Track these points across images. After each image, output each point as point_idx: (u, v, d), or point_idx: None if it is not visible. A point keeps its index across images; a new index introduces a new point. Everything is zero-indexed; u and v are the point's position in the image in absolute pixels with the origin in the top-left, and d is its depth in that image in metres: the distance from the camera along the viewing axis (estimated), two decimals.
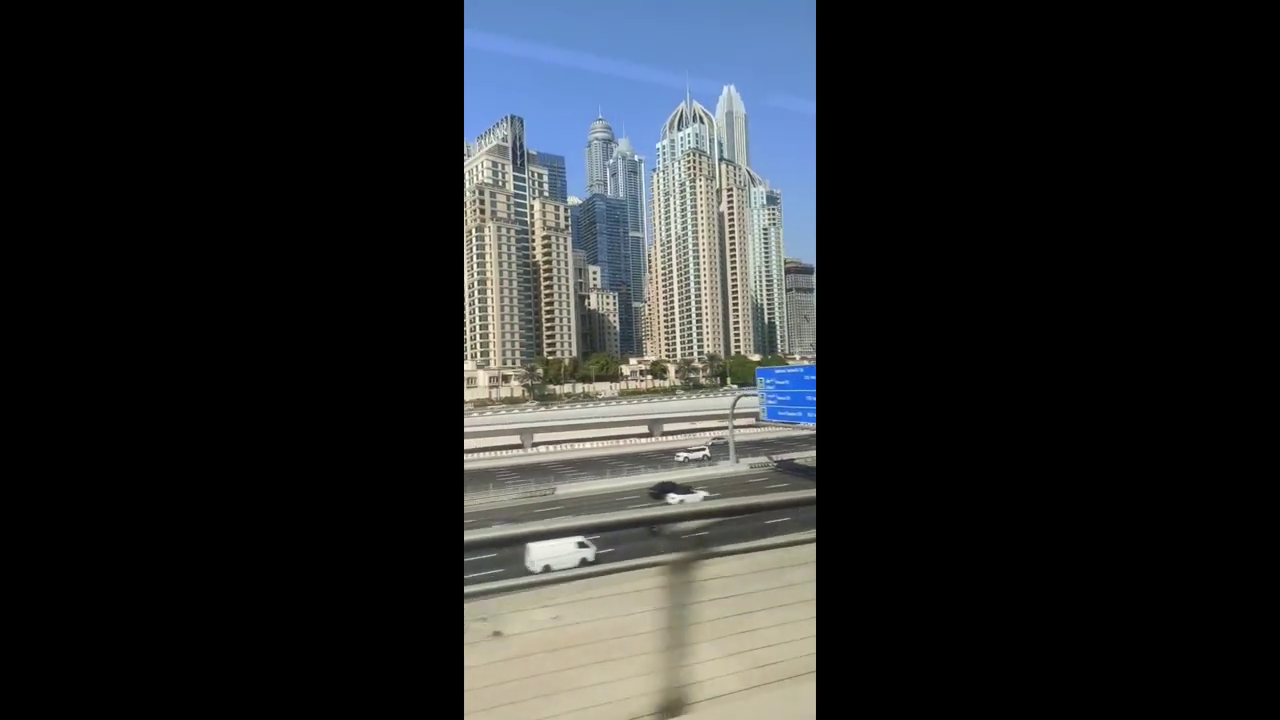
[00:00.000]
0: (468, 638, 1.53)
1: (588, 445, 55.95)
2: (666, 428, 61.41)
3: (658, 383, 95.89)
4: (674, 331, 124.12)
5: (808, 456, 40.40)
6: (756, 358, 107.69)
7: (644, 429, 61.06)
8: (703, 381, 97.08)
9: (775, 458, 41.59)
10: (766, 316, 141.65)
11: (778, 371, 38.42)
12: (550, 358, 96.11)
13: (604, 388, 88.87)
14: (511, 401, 77.29)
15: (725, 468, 40.29)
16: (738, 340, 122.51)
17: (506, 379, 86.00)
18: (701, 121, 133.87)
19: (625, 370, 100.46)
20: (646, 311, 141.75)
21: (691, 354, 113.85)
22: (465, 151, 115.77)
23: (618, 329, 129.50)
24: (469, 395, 79.43)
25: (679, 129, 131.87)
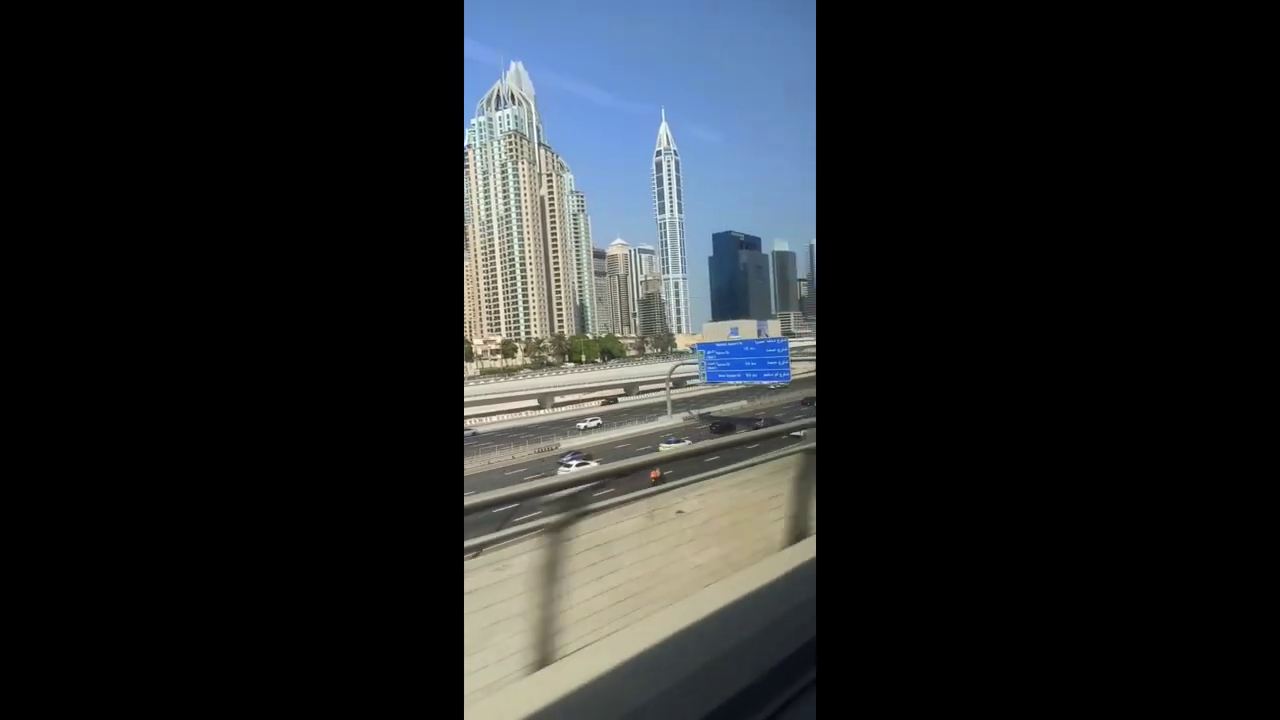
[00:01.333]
0: (666, 516, 2.59)
1: (497, 419, 58.23)
2: (557, 399, 66.37)
3: (509, 361, 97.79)
4: (497, 312, 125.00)
5: (716, 409, 51.15)
6: (590, 337, 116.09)
7: (534, 402, 65.07)
8: (550, 359, 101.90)
9: (695, 412, 51.18)
10: (578, 299, 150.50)
11: (718, 345, 48.56)
12: None
13: (467, 368, 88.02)
14: None
15: (665, 421, 48.41)
16: (560, 321, 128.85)
17: None
18: (519, 104, 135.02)
19: (476, 350, 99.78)
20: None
21: (517, 334, 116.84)
22: None
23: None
24: None
25: (497, 108, 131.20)
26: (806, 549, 2.91)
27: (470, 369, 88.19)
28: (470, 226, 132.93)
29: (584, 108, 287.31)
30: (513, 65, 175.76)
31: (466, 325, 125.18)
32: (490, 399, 61.79)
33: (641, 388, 71.73)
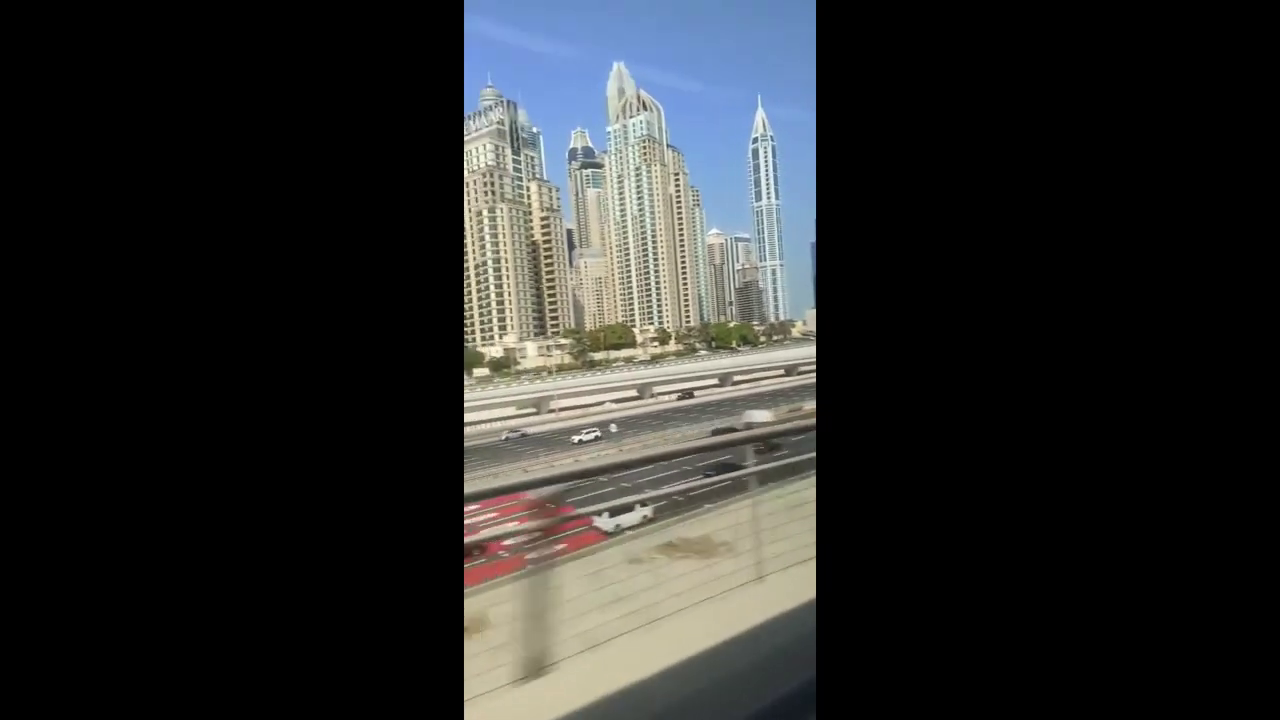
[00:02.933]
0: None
1: (699, 395, 69.93)
2: (736, 378, 77.46)
3: (665, 348, 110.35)
4: (631, 304, 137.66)
5: None
6: (733, 325, 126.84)
7: (715, 380, 76.42)
8: (697, 347, 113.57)
9: None
10: (699, 289, 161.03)
11: None
12: (567, 327, 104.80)
13: (637, 353, 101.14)
14: (565, 368, 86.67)
15: None
16: (687, 311, 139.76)
17: (561, 348, 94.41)
18: (650, 110, 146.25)
19: (638, 339, 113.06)
20: (593, 284, 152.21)
21: (652, 324, 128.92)
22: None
23: (584, 302, 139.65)
24: (524, 364, 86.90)
25: (629, 116, 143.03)
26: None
27: (645, 354, 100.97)
28: (606, 226, 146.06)
29: (673, 96, 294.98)
30: (615, 65, 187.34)
31: (611, 316, 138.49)
32: (705, 374, 73.85)
33: (800, 369, 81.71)
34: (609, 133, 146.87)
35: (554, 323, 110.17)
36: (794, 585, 2.48)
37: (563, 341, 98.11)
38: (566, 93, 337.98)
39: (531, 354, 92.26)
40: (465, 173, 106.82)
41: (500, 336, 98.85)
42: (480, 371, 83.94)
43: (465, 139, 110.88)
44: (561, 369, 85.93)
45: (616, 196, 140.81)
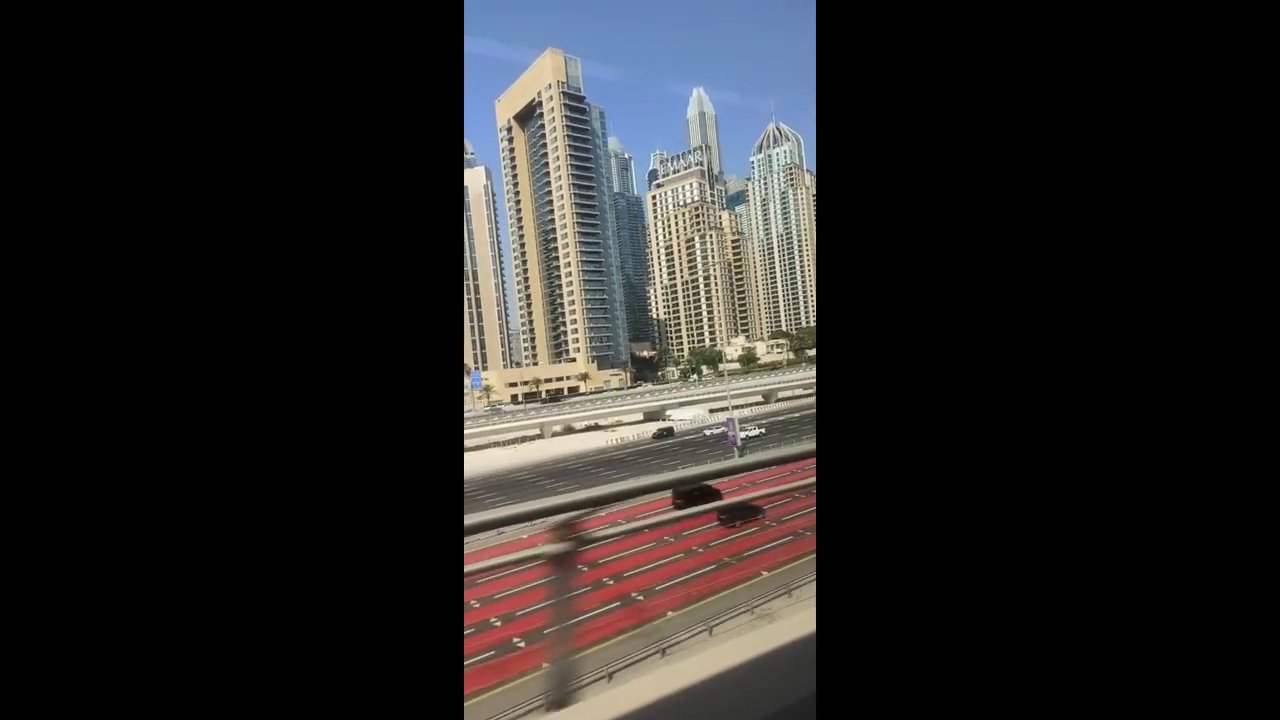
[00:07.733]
0: None
1: None
2: None
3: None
4: (779, 308, 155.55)
5: None
6: None
7: None
8: None
9: None
10: None
11: None
12: (773, 329, 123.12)
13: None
14: (792, 363, 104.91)
15: None
16: None
17: (780, 348, 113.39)
18: (790, 140, 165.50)
19: None
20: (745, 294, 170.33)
21: (802, 326, 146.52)
22: (667, 171, 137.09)
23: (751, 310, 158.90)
24: (763, 360, 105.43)
25: (773, 146, 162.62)
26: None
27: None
28: (749, 246, 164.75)
29: (738, 113, 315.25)
30: (695, 91, 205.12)
31: (766, 321, 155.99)
32: None
33: None
34: (752, 162, 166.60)
35: (744, 327, 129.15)
36: None
37: (782, 342, 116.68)
38: (643, 116, 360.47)
39: (762, 352, 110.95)
40: (673, 206, 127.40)
41: (727, 339, 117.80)
42: (725, 366, 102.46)
43: (672, 178, 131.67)
44: (790, 364, 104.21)
45: (760, 220, 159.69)
